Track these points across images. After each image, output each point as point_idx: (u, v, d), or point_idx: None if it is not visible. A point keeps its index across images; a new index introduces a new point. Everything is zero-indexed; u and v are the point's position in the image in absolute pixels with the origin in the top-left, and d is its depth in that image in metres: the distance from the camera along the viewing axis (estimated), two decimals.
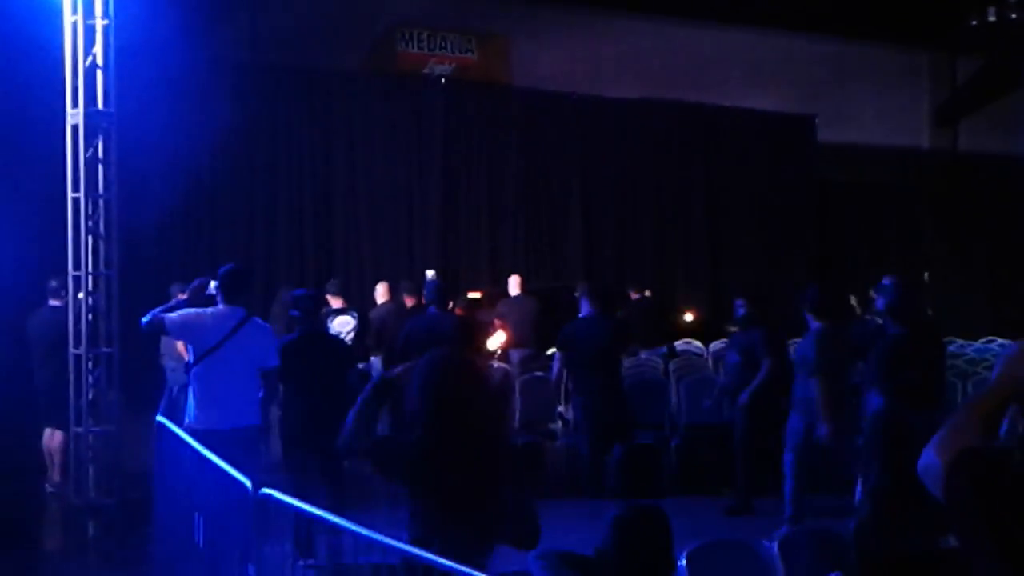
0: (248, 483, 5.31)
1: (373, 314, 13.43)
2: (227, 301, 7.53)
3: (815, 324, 8.95)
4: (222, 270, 7.73)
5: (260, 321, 7.89)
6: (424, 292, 11.70)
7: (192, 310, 7.52)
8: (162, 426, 7.26)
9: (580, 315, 10.75)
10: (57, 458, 10.79)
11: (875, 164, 24.42)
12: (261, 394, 7.63)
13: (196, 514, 6.24)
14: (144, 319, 7.51)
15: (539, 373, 12.16)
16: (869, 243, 23.73)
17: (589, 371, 10.31)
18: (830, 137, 23.31)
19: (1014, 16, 22.36)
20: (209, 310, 7.55)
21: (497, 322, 13.95)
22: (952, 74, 26.63)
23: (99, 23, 10.52)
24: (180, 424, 7.33)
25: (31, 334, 10.99)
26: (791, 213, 22.57)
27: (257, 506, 5.19)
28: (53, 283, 10.89)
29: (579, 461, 10.71)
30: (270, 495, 5.13)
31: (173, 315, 7.43)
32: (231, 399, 7.35)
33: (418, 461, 4.19)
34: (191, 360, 7.52)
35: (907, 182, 24.72)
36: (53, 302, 10.90)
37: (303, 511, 4.91)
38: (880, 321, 8.30)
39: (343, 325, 12.48)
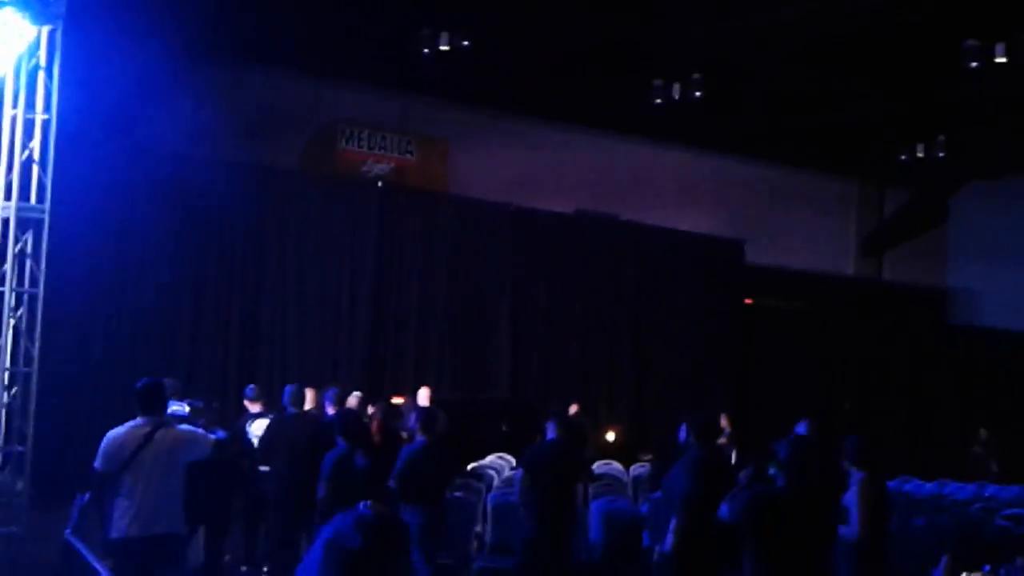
0: None
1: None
2: (143, 413, 7.56)
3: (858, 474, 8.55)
4: (139, 384, 7.73)
5: (181, 426, 7.94)
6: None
7: (107, 436, 7.52)
8: (69, 544, 7.10)
9: (547, 438, 10.74)
10: None
11: (801, 289, 24.79)
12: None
13: None
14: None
15: (458, 494, 12.05)
16: (792, 366, 23.98)
17: (551, 495, 10.24)
18: (759, 260, 23.65)
19: (941, 154, 22.96)
20: (124, 427, 7.54)
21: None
22: (880, 204, 27.24)
23: (39, 117, 10.48)
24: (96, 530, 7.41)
25: None
26: (717, 335, 22.78)
27: None
28: None
29: None
30: None
31: (96, 460, 7.46)
32: (150, 508, 7.36)
33: None
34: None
35: (831, 308, 25.09)
36: None
37: None
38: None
39: (260, 428, 12.34)
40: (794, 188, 25.05)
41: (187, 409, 8.65)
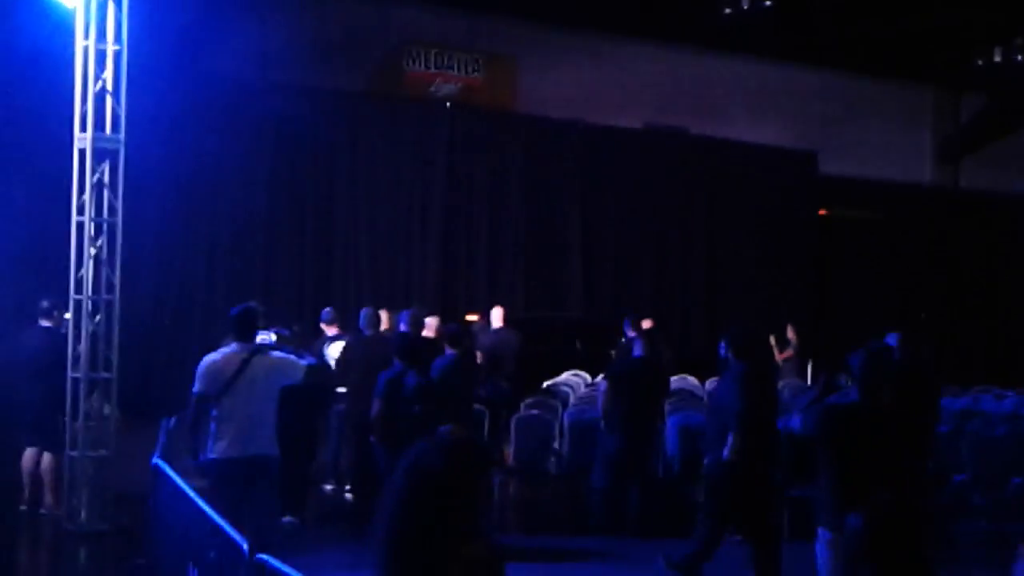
0: (244, 546, 5.30)
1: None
2: (238, 339, 7.84)
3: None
4: (233, 311, 8.01)
5: (274, 352, 8.13)
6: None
7: (204, 360, 7.77)
8: (159, 470, 7.27)
9: (633, 354, 10.90)
10: (48, 480, 10.79)
11: (877, 199, 24.46)
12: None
13: (190, 566, 6.25)
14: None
15: (535, 412, 12.14)
16: (868, 278, 23.74)
17: (635, 410, 10.37)
18: (832, 170, 23.36)
19: (1019, 57, 22.40)
20: (220, 352, 7.84)
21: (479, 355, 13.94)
22: (956, 112, 26.69)
23: (110, 48, 10.52)
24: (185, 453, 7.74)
25: (20, 353, 10.98)
26: (791, 247, 22.61)
27: (252, 570, 5.18)
28: (45, 304, 10.95)
29: (587, 496, 10.77)
30: (266, 561, 5.12)
31: (195, 383, 7.70)
32: (247, 430, 7.63)
33: None
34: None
35: (907, 217, 24.74)
36: (44, 323, 10.94)
37: None
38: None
39: (337, 351, 12.49)
40: (867, 97, 24.59)
41: (274, 337, 8.79)
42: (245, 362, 7.65)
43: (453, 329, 11.46)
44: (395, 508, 3.51)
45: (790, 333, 18.64)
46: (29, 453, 10.88)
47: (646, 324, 16.25)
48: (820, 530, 6.19)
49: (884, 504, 4.00)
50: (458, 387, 10.37)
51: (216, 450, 7.62)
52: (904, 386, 9.09)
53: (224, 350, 7.85)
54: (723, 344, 8.99)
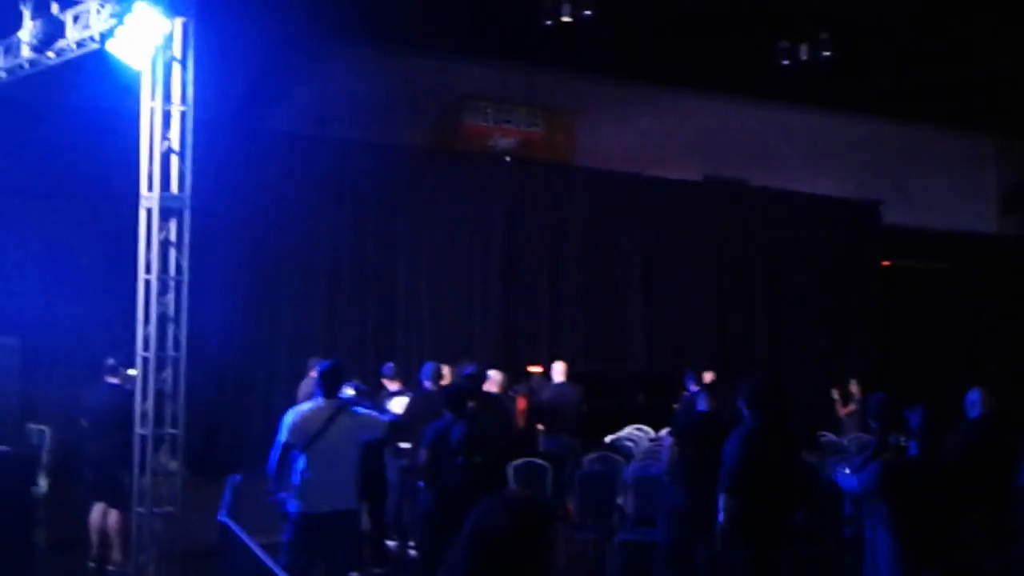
0: None
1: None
2: (326, 395, 8.08)
3: None
4: (322, 368, 8.31)
5: (357, 408, 8.41)
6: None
7: (291, 414, 8.05)
8: (226, 527, 7.28)
9: (697, 408, 10.65)
10: (115, 537, 10.85)
11: (942, 249, 24.19)
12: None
13: None
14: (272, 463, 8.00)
15: (598, 466, 12.06)
16: (933, 330, 23.43)
17: (701, 465, 9.92)
18: (896, 220, 23.17)
19: None
20: (307, 405, 8.15)
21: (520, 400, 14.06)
22: (1020, 160, 26.41)
23: (176, 108, 10.65)
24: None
25: (86, 409, 11.12)
26: (854, 298, 22.41)
27: None
28: (110, 361, 11.18)
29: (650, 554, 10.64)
30: None
31: (281, 434, 7.94)
32: (331, 484, 7.85)
33: None
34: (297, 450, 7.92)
35: (973, 268, 24.43)
36: (110, 379, 11.12)
37: None
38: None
39: (400, 406, 12.50)
40: (929, 146, 24.43)
41: (352, 392, 8.94)
42: (331, 418, 7.87)
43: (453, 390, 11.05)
44: (463, 568, 3.48)
45: (853, 387, 18.45)
46: (97, 509, 10.95)
47: (708, 377, 16.17)
48: None
49: (957, 566, 3.93)
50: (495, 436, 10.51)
51: (300, 504, 7.79)
52: (990, 440, 9.01)
53: (311, 404, 8.12)
54: (739, 399, 8.99)
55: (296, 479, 7.81)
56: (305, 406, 8.11)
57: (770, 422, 8.84)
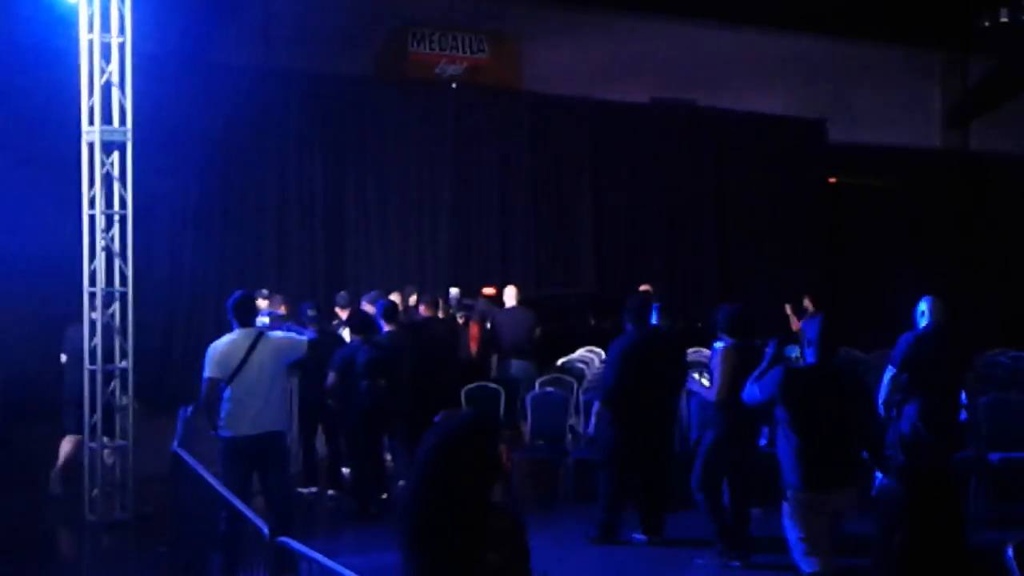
0: (265, 529, 5.37)
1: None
2: (241, 325, 8.24)
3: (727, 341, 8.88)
4: (233, 299, 8.36)
5: (274, 333, 8.63)
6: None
7: (211, 348, 8.19)
8: (178, 457, 7.35)
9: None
10: (60, 465, 10.96)
11: (886, 165, 24.39)
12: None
13: (212, 552, 6.32)
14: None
15: (549, 389, 12.18)
16: (881, 244, 23.69)
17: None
18: (841, 138, 23.32)
19: None
20: (226, 339, 8.18)
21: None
22: (964, 74, 26.55)
23: (115, 40, 10.55)
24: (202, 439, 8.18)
25: (68, 345, 11.13)
26: (803, 215, 22.59)
27: (274, 554, 5.24)
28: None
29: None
30: (287, 543, 5.19)
31: (205, 370, 8.13)
32: (258, 409, 8.04)
33: None
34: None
35: (918, 182, 24.67)
36: (92, 315, 11.07)
37: (319, 560, 4.93)
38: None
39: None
40: (873, 63, 24.47)
41: (267, 320, 9.10)
42: (252, 347, 8.03)
43: (383, 305, 11.58)
44: (418, 487, 3.59)
45: (806, 302, 18.67)
46: (70, 440, 11.06)
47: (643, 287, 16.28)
48: (789, 489, 6.57)
49: (926, 473, 4.05)
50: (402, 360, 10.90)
51: (229, 430, 7.99)
52: (940, 348, 9.22)
53: (229, 336, 8.19)
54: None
55: (224, 409, 8.00)
56: (223, 339, 8.20)
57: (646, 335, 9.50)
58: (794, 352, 10.60)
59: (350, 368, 10.36)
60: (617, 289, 19.45)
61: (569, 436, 11.96)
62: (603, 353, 15.19)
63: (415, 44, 19.93)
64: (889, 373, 9.42)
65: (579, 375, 13.59)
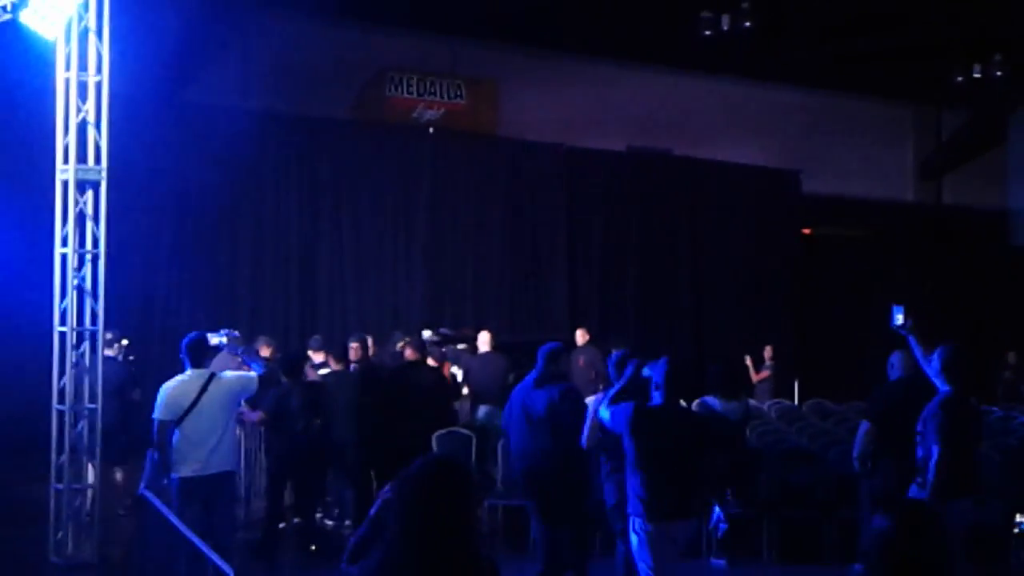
0: (231, 572, 5.32)
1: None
2: (193, 366, 8.33)
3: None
4: (186, 340, 8.46)
5: (223, 374, 8.59)
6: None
7: (163, 389, 8.31)
8: (144, 500, 7.29)
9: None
10: (120, 488, 11.73)
11: (860, 217, 24.56)
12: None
13: None
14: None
15: None
16: (853, 296, 23.79)
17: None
18: (816, 189, 23.46)
19: (998, 73, 22.55)
20: (176, 380, 8.31)
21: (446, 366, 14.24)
22: (937, 127, 26.83)
23: (92, 79, 10.55)
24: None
25: None
26: (776, 266, 22.67)
27: None
28: (108, 335, 11.24)
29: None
30: None
31: (155, 411, 8.24)
32: (209, 449, 8.13)
33: None
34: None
35: (891, 235, 24.83)
36: (107, 352, 11.23)
37: None
38: None
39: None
40: (848, 115, 24.71)
41: (225, 340, 9.10)
42: (203, 388, 8.13)
43: (290, 358, 11.75)
44: (395, 537, 3.58)
45: (767, 353, 18.81)
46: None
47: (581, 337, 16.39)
48: (636, 520, 7.06)
49: (910, 504, 4.07)
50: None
51: (181, 470, 8.07)
52: (909, 400, 9.21)
53: (180, 378, 8.29)
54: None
55: (175, 450, 8.07)
56: (174, 380, 8.29)
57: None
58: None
59: (283, 408, 10.50)
60: (591, 336, 19.48)
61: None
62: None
63: (393, 88, 19.96)
64: (864, 427, 9.43)
65: None
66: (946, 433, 7.86)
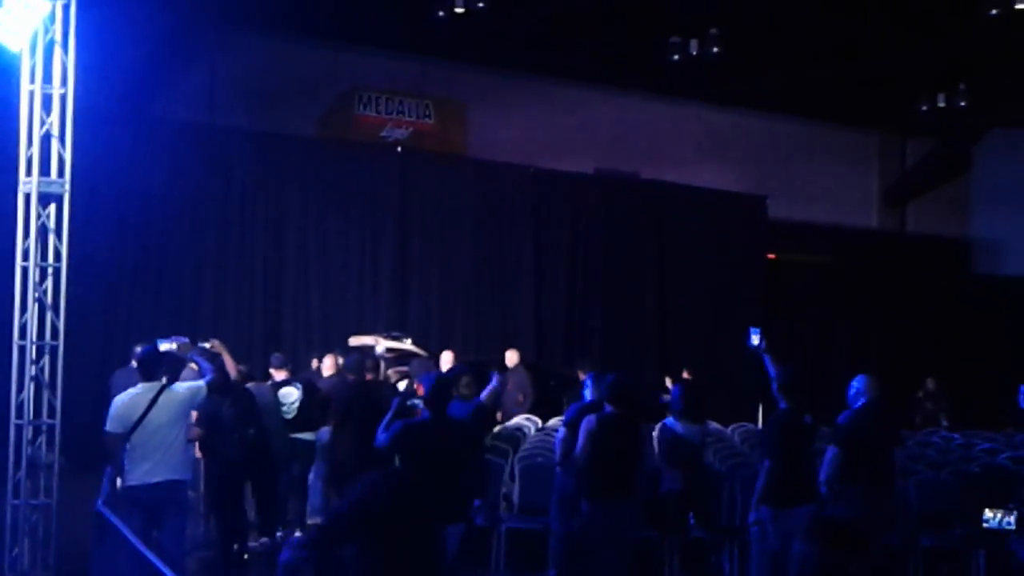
0: None
1: (321, 384, 13.42)
2: (145, 379, 8.46)
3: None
4: (139, 354, 8.85)
5: (175, 387, 8.61)
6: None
7: (114, 401, 8.48)
8: (102, 517, 7.21)
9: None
10: None
11: (825, 243, 24.70)
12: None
13: None
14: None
15: (485, 456, 12.06)
16: (817, 322, 23.92)
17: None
18: (781, 214, 23.57)
19: (963, 103, 22.78)
20: (128, 393, 8.41)
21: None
22: (902, 156, 27.06)
23: (56, 91, 10.45)
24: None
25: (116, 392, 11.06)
26: (740, 289, 22.74)
27: None
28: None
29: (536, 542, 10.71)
30: None
31: (106, 423, 8.40)
32: (158, 460, 8.21)
33: None
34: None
35: (855, 261, 24.98)
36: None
37: None
38: None
39: (286, 396, 12.44)
40: (815, 142, 24.91)
41: (174, 346, 9.04)
42: (154, 400, 8.21)
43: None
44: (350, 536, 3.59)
45: (685, 373, 18.63)
46: None
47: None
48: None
49: (833, 520, 4.09)
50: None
51: (130, 479, 8.19)
52: (874, 426, 9.27)
53: (132, 391, 8.37)
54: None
55: (125, 459, 8.19)
56: (126, 394, 8.39)
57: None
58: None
59: (215, 421, 10.52)
60: (555, 358, 19.52)
61: (503, 504, 11.87)
62: (539, 422, 15.19)
63: (361, 107, 19.96)
64: (831, 452, 9.43)
65: (516, 442, 13.52)
66: (777, 447, 8.64)
